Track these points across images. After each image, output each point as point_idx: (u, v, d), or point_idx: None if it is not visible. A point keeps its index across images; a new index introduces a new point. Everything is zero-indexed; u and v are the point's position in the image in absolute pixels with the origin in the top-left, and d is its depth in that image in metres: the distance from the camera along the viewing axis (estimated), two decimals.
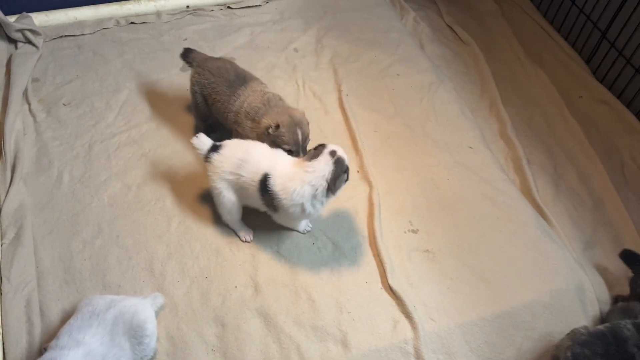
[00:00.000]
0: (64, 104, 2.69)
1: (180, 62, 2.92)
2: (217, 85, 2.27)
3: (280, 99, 2.22)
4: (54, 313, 1.95)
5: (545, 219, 2.36)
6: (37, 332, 1.89)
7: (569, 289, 2.10)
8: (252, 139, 2.14)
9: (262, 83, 2.31)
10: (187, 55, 2.48)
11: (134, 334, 1.73)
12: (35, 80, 2.80)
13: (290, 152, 2.09)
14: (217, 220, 2.25)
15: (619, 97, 2.89)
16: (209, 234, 2.21)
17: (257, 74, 2.86)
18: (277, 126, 2.07)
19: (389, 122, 2.70)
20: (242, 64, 2.92)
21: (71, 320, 1.73)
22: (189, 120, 2.65)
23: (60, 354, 1.59)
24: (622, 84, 2.88)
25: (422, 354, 1.92)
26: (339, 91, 2.83)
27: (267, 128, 2.09)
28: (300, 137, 2.10)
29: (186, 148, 2.52)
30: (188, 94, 2.75)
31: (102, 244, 2.16)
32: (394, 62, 3.02)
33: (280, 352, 1.90)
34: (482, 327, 2.01)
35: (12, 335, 1.88)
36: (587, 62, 3.11)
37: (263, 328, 1.96)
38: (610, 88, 2.94)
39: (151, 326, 1.79)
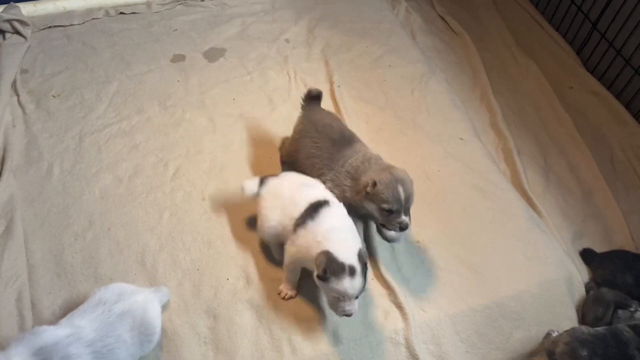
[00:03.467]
0: (53, 96, 2.67)
1: (171, 53, 2.92)
2: (320, 141, 2.14)
3: (381, 158, 2.07)
4: (45, 306, 1.95)
5: (535, 209, 2.38)
6: (29, 325, 1.89)
7: (558, 279, 2.13)
8: (350, 199, 2.01)
9: (365, 145, 2.16)
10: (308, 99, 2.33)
11: (144, 331, 1.75)
12: (24, 71, 2.77)
13: (390, 212, 1.91)
14: (209, 213, 2.25)
15: (609, 88, 2.91)
16: (201, 226, 2.21)
17: (248, 65, 2.88)
18: (375, 184, 1.91)
19: (381, 113, 2.71)
20: (234, 54, 2.94)
21: (81, 305, 1.76)
22: (181, 112, 2.64)
23: (47, 329, 1.62)
24: (613, 75, 2.89)
25: (412, 344, 1.94)
26: (331, 82, 2.83)
27: (365, 186, 1.93)
28: (402, 195, 1.89)
29: (177, 141, 2.51)
30: (178, 84, 2.76)
31: (94, 236, 2.15)
32: (385, 52, 3.02)
33: (271, 344, 1.92)
34: (471, 318, 2.03)
35: (4, 329, 1.87)
36: (578, 53, 3.12)
37: (255, 320, 1.97)
38: (600, 79, 2.96)
39: (159, 323, 1.82)
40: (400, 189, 1.89)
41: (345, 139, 2.14)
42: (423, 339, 1.97)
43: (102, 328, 1.67)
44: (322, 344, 1.92)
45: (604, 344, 1.80)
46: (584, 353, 1.79)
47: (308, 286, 2.05)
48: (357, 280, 1.78)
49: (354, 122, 2.62)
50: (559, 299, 2.10)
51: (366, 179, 1.94)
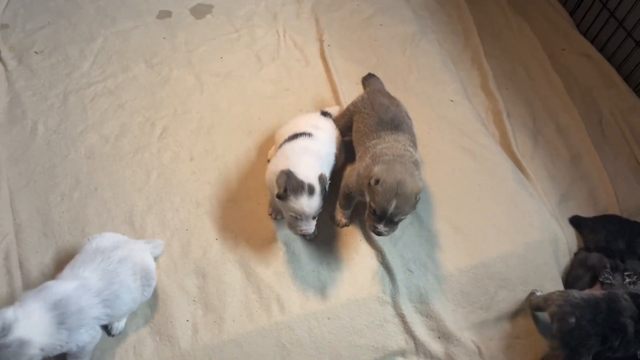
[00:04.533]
0: (35, 52, 2.60)
1: (157, 9, 2.85)
2: (369, 117, 2.11)
3: (413, 161, 1.96)
4: (33, 265, 1.95)
5: (523, 172, 2.39)
6: (18, 284, 1.89)
7: (543, 241, 2.16)
8: (358, 179, 1.98)
9: (411, 141, 2.07)
10: (368, 79, 2.43)
11: (145, 275, 1.79)
12: (4, 26, 2.69)
13: (374, 213, 1.87)
14: (197, 174, 2.24)
15: (601, 50, 2.89)
16: (189, 187, 2.20)
17: (236, 22, 2.82)
18: (377, 181, 1.85)
19: None
20: (221, 11, 2.86)
21: (77, 256, 1.77)
22: (167, 70, 2.58)
23: (56, 284, 1.64)
24: (605, 38, 2.87)
25: (399, 303, 1.97)
26: (321, 42, 2.77)
27: (371, 177, 1.88)
28: (390, 207, 1.82)
29: (163, 99, 2.47)
30: (165, 42, 2.69)
31: (80, 196, 2.14)
32: (376, 11, 2.96)
33: (260, 302, 1.94)
34: (458, 278, 2.06)
35: None
36: (572, 14, 3.08)
37: (244, 279, 1.99)
38: (593, 41, 2.93)
39: (155, 269, 1.88)
40: (394, 202, 1.81)
41: (394, 124, 2.08)
42: (410, 298, 2.00)
43: (105, 276, 1.70)
44: (310, 303, 1.95)
45: (594, 310, 1.83)
46: (572, 320, 1.82)
47: (298, 248, 2.06)
48: (315, 199, 1.86)
49: (344, 83, 2.59)
50: (544, 260, 2.13)
51: (376, 171, 1.88)
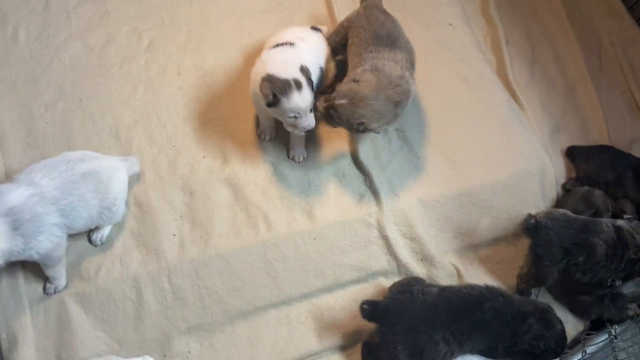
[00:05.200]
0: None
1: None
2: (365, 32, 2.04)
3: (396, 76, 1.90)
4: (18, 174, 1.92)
5: (517, 101, 2.37)
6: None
7: (531, 171, 2.17)
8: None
9: (409, 62, 2.01)
10: None
11: (106, 195, 1.75)
12: None
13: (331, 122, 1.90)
14: (185, 89, 2.18)
15: None
16: (177, 102, 2.15)
17: None
18: (336, 107, 1.85)
19: None
20: None
21: (42, 161, 1.74)
22: None
23: (9, 191, 1.60)
24: None
25: (384, 226, 2.00)
26: None
27: (333, 98, 1.87)
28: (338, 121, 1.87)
29: (151, 9, 2.36)
30: None
31: (65, 107, 2.09)
32: None
33: (247, 220, 1.96)
34: (443, 204, 2.09)
35: None
36: None
37: (231, 197, 2.00)
38: None
39: (123, 192, 1.83)
40: (339, 113, 1.85)
41: (390, 39, 2.02)
42: (395, 221, 2.03)
43: (64, 186, 1.67)
44: (297, 223, 1.97)
45: (566, 225, 1.88)
46: (532, 220, 1.90)
47: (287, 169, 2.06)
48: (306, 91, 1.84)
49: (338, 1, 2.48)
50: (530, 191, 2.15)
51: (341, 92, 1.86)
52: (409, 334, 1.70)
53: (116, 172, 1.80)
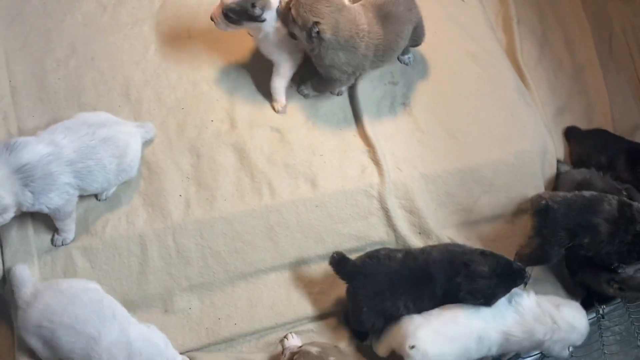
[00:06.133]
0: None
1: None
2: None
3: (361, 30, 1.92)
4: (29, 128, 1.96)
5: (524, 81, 2.39)
6: None
7: (533, 150, 2.20)
8: None
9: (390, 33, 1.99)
10: None
11: (123, 160, 1.79)
12: None
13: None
14: (195, 52, 2.20)
15: None
16: (187, 65, 2.17)
17: None
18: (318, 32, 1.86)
19: None
20: None
21: (65, 121, 1.76)
22: None
23: (26, 143, 1.63)
24: None
25: (385, 198, 2.04)
26: None
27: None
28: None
29: None
30: None
31: (77, 64, 2.10)
32: None
33: (252, 185, 2.00)
34: (444, 179, 2.12)
35: None
36: None
37: (237, 162, 2.03)
38: None
39: (138, 157, 1.87)
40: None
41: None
42: (396, 194, 2.07)
43: (83, 150, 1.70)
44: (299, 190, 2.02)
45: (568, 207, 1.92)
46: (543, 202, 1.94)
47: (293, 137, 2.09)
48: None
49: None
50: (531, 170, 2.19)
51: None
52: (374, 298, 1.79)
53: (133, 138, 1.84)
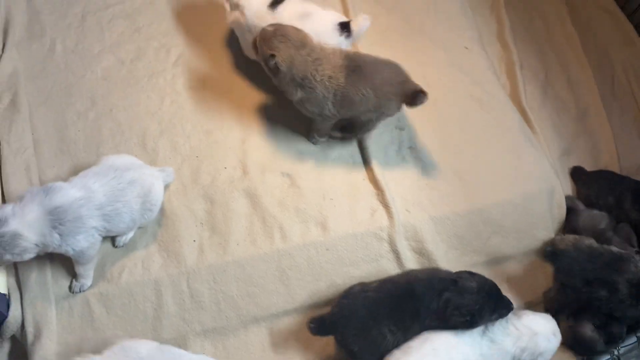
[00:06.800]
0: None
1: None
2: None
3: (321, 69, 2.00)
4: (50, 179, 2.04)
5: (529, 123, 2.44)
6: None
7: (540, 192, 2.22)
8: None
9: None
10: None
11: (149, 200, 1.87)
12: None
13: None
14: (209, 102, 2.29)
15: (622, 7, 2.84)
16: (201, 115, 2.26)
17: None
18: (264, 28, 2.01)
19: (388, 14, 2.66)
20: None
21: (93, 167, 1.85)
22: None
23: (61, 188, 1.73)
24: None
25: (395, 240, 2.07)
26: None
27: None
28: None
29: (180, 26, 2.48)
30: None
31: (96, 116, 2.20)
32: None
33: (263, 230, 2.04)
34: (453, 221, 2.15)
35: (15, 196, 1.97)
36: None
37: (249, 207, 2.08)
38: None
39: (161, 197, 1.95)
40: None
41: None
42: (405, 237, 2.09)
43: (112, 193, 1.78)
44: (310, 234, 2.05)
45: (590, 257, 1.95)
46: (549, 248, 2.01)
47: (303, 181, 2.14)
48: None
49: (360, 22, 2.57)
50: (539, 211, 2.21)
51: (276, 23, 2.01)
52: (359, 334, 1.79)
53: (156, 180, 1.92)
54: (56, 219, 1.67)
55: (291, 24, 2.01)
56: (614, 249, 1.97)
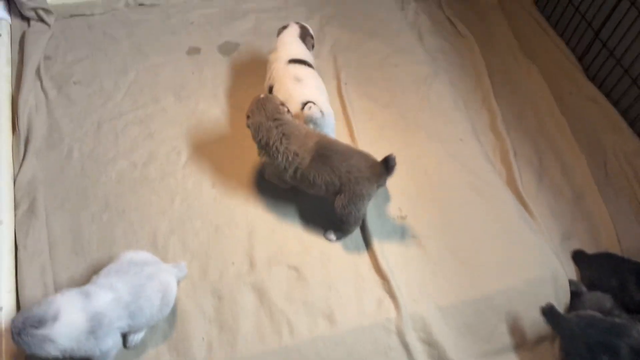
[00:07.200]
0: (74, 83, 2.80)
1: (187, 46, 3.05)
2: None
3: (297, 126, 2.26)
4: (63, 280, 2.10)
5: (527, 209, 2.50)
6: None
7: (544, 277, 2.24)
8: None
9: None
10: None
11: (166, 294, 1.92)
12: (47, 58, 2.90)
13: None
14: (218, 200, 2.39)
15: (607, 95, 2.99)
16: (210, 212, 2.35)
17: (261, 59, 3.00)
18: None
19: (384, 111, 2.82)
20: (247, 49, 3.06)
21: (111, 265, 1.91)
22: (194, 103, 2.76)
23: (95, 291, 1.78)
24: (611, 83, 2.98)
25: (403, 332, 2.07)
26: (338, 79, 2.93)
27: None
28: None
29: (190, 130, 2.64)
30: (193, 76, 2.88)
31: (109, 218, 2.30)
32: (392, 52, 3.12)
33: (271, 325, 2.06)
34: (461, 310, 2.16)
35: (30, 301, 2.02)
36: (580, 60, 3.20)
37: (257, 302, 2.11)
38: (600, 87, 3.04)
39: (175, 292, 2.00)
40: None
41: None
42: (414, 327, 2.10)
43: (135, 290, 1.84)
44: (318, 328, 2.06)
45: (591, 322, 1.96)
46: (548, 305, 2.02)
47: (310, 274, 2.19)
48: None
49: (358, 120, 2.74)
50: (544, 296, 2.21)
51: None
52: None
53: (170, 275, 1.98)
54: (96, 324, 1.71)
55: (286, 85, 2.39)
56: (617, 319, 1.99)
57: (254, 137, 2.25)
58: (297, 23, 2.71)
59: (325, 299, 2.12)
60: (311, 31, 2.74)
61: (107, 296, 1.78)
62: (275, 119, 2.20)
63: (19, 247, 2.16)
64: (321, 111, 2.32)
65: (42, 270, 2.10)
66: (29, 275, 2.09)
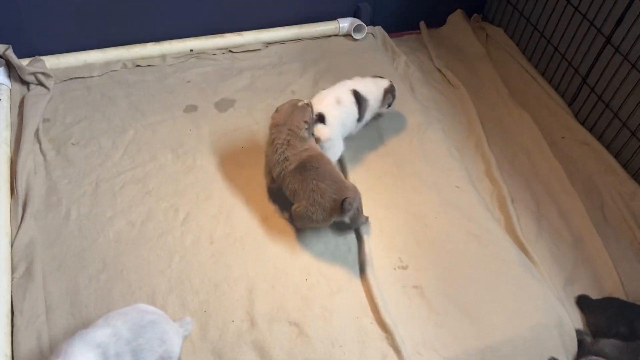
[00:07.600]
0: (72, 144, 2.83)
1: (184, 104, 3.10)
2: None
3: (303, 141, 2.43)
4: (61, 344, 2.05)
5: (527, 255, 2.49)
6: None
7: (548, 324, 2.21)
8: None
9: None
10: None
11: (167, 346, 1.88)
12: (46, 120, 2.95)
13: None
14: (216, 256, 2.37)
15: (599, 138, 3.04)
16: (208, 269, 2.33)
17: (256, 115, 3.06)
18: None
19: (380, 161, 2.85)
20: (243, 105, 3.11)
21: (114, 310, 1.91)
22: (192, 159, 2.79)
23: (92, 329, 1.78)
24: (602, 127, 3.04)
25: None
26: None
27: None
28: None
29: (188, 187, 2.65)
30: (190, 133, 2.92)
31: (107, 278, 2.28)
32: None
33: None
34: None
35: None
36: (570, 105, 3.27)
37: None
38: (591, 130, 3.10)
39: (179, 348, 1.96)
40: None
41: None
42: None
43: (135, 329, 1.81)
44: None
45: None
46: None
47: (312, 330, 2.15)
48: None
49: (355, 170, 2.76)
50: (550, 343, 2.18)
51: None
52: None
53: (175, 329, 1.96)
54: (102, 352, 1.70)
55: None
56: None
57: (269, 129, 2.46)
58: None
59: (328, 356, 2.08)
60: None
61: (105, 331, 1.77)
62: (290, 130, 2.37)
63: (15, 313, 2.12)
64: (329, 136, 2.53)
65: (38, 335, 2.06)
66: (25, 341, 2.04)
